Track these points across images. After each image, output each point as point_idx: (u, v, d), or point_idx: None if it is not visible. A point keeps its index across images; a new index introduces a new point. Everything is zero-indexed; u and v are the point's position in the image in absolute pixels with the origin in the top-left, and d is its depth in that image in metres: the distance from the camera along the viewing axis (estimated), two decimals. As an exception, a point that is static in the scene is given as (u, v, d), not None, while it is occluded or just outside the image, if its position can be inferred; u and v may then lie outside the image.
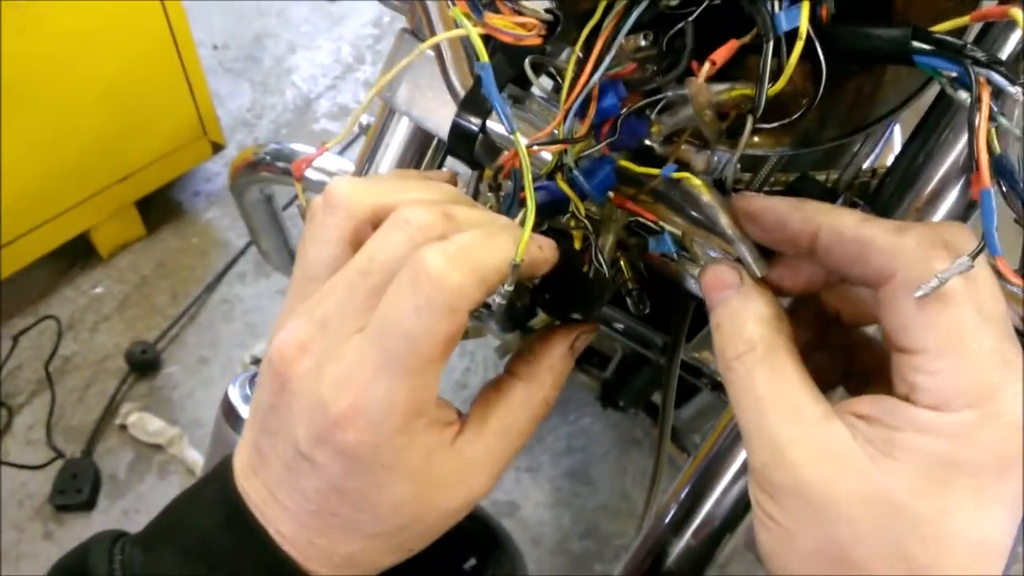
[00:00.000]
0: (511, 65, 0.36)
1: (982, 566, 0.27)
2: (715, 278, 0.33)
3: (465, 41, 0.39)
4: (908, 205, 0.36)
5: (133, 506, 1.42)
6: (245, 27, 2.23)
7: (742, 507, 0.42)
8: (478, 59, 0.29)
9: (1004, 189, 0.28)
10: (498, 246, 0.31)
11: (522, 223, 0.31)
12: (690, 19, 0.33)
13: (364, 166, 0.51)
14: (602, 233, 0.38)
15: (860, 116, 0.35)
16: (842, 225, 0.30)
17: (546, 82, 0.42)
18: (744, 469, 0.43)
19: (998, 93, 0.27)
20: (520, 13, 0.31)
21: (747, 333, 0.31)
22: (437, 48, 0.43)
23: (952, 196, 0.36)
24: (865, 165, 0.52)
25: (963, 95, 0.27)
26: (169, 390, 1.57)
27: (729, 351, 0.31)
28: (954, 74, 0.28)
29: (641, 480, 1.39)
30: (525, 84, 0.41)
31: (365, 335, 0.30)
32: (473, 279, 0.29)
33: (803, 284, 0.34)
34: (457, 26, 0.31)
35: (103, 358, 1.60)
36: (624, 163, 0.36)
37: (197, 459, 1.46)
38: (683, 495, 0.43)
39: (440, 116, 0.44)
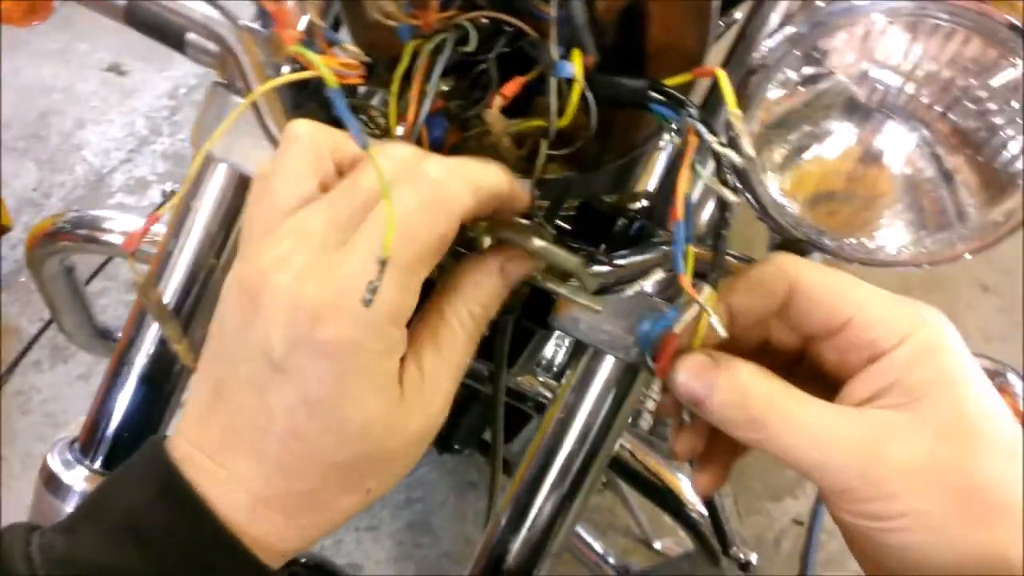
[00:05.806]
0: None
1: None
2: (696, 371, 0.34)
3: (279, 89, 0.42)
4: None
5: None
6: (28, 104, 2.10)
7: (569, 499, 0.46)
8: (326, 86, 0.31)
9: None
10: (488, 169, 0.33)
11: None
12: (486, 62, 0.38)
13: (181, 217, 0.51)
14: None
15: (625, 144, 0.42)
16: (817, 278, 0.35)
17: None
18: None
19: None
20: (344, 52, 0.35)
21: (756, 388, 0.33)
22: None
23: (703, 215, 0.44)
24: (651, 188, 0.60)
25: (678, 140, 0.34)
26: (-41, 496, 1.41)
27: (756, 410, 0.32)
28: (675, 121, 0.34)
29: (481, 522, 1.41)
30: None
31: (353, 239, 0.30)
32: (468, 189, 0.31)
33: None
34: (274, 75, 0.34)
35: None
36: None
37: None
38: (516, 496, 0.47)
39: (258, 160, 0.47)
